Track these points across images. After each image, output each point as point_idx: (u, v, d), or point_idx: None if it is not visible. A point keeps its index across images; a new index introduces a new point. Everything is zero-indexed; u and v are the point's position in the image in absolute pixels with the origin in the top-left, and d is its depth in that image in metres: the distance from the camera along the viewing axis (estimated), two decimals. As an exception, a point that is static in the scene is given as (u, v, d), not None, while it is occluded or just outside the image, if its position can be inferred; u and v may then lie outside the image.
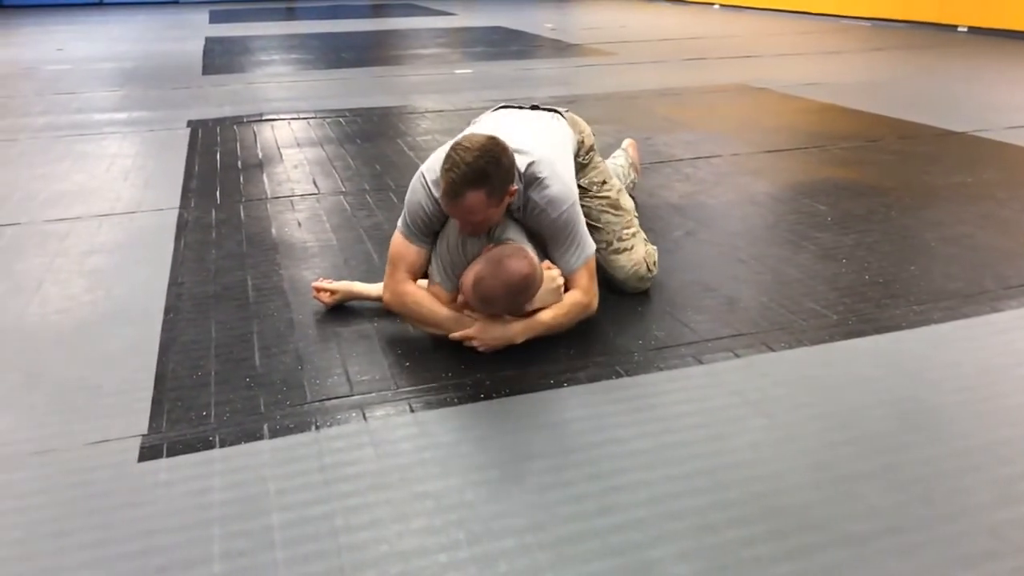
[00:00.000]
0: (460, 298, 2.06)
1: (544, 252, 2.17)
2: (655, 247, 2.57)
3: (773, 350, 2.08)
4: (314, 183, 3.66)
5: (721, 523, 1.47)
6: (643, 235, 2.53)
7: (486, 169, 1.92)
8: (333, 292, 2.33)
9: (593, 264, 2.19)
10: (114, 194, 3.50)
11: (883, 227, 2.96)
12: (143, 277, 2.60)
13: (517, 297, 1.99)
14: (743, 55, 7.60)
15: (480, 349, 2.03)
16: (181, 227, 3.07)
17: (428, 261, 2.17)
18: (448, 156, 1.96)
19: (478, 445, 1.71)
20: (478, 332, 2.02)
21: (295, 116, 5.12)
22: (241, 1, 15.87)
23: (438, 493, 1.56)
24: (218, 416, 1.82)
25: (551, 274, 2.11)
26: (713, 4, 13.33)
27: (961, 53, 7.50)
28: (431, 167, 2.12)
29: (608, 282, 2.39)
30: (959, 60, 7.07)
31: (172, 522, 1.49)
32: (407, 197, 2.16)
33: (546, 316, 2.09)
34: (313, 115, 5.13)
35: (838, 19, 10.68)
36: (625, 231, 2.45)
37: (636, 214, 2.56)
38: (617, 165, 3.09)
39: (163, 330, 2.23)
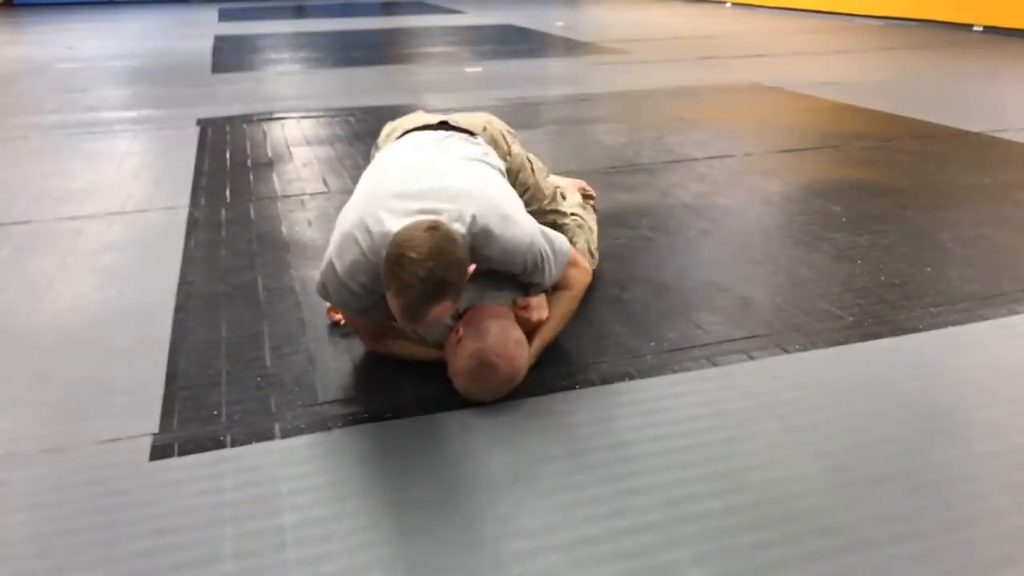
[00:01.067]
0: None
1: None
2: (593, 237, 2.54)
3: (787, 352, 2.06)
4: (324, 182, 3.65)
5: (735, 527, 1.45)
6: (590, 228, 2.55)
7: (445, 278, 1.64)
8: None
9: (572, 253, 2.05)
10: (124, 192, 3.50)
11: (899, 228, 2.93)
12: (153, 276, 2.59)
13: (505, 389, 1.84)
14: (756, 54, 7.56)
15: None
16: (191, 226, 3.06)
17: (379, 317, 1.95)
18: (394, 275, 1.65)
19: (490, 446, 1.69)
20: None
21: (305, 114, 5.12)
22: (250, 0, 15.92)
23: (449, 494, 1.55)
24: (229, 416, 1.81)
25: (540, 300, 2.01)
26: (725, 2, 13.27)
27: (977, 53, 7.44)
28: (338, 256, 1.82)
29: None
30: (975, 60, 7.02)
31: (183, 521, 1.48)
32: (326, 285, 1.88)
33: (547, 333, 2.02)
34: (323, 113, 5.13)
35: (852, 18, 10.63)
36: (544, 203, 2.43)
37: (585, 204, 2.57)
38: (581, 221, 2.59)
39: (173, 329, 2.23)
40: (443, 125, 2.20)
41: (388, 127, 2.33)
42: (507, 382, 1.83)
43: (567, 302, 2.08)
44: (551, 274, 1.96)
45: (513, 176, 2.27)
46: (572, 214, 2.55)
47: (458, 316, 1.91)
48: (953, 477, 1.58)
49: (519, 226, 1.88)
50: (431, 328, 1.87)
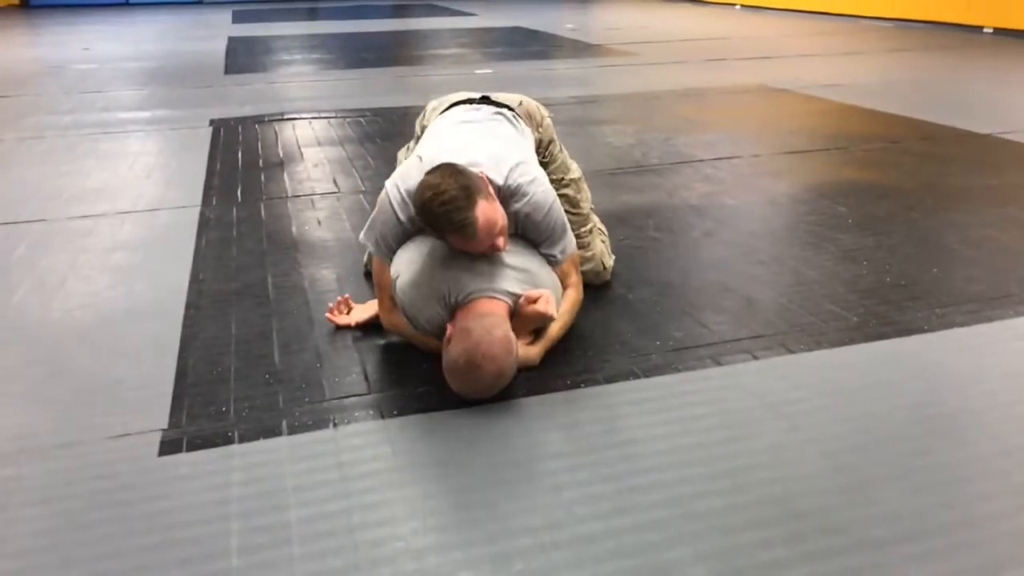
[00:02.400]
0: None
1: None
2: (606, 239, 2.56)
3: (792, 352, 2.07)
4: (334, 182, 3.68)
5: (738, 525, 1.46)
6: (600, 229, 2.55)
7: (468, 185, 1.83)
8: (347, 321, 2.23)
9: (578, 256, 2.20)
10: (137, 192, 3.54)
11: (904, 229, 2.93)
12: (165, 274, 2.62)
13: (494, 388, 1.85)
14: (764, 56, 7.56)
15: None
16: (202, 225, 3.09)
17: None
18: (431, 215, 1.84)
19: (495, 444, 1.71)
20: None
21: (316, 115, 5.15)
22: (264, 1, 15.98)
23: (454, 491, 1.56)
24: (237, 412, 1.83)
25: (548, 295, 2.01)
26: (734, 5, 13.26)
27: (986, 54, 7.42)
28: (402, 179, 2.02)
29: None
30: (984, 61, 6.99)
31: (191, 516, 1.50)
32: (375, 216, 2.06)
33: (555, 331, 2.05)
34: (334, 114, 5.16)
35: (860, 20, 10.60)
36: (583, 229, 2.40)
37: (592, 206, 2.55)
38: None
39: (184, 326, 2.25)
40: (484, 100, 2.37)
41: (433, 103, 2.47)
42: (493, 381, 1.81)
43: (572, 300, 2.12)
44: (559, 244, 2.07)
45: (544, 147, 2.41)
46: (592, 226, 2.50)
47: (453, 311, 1.92)
48: (957, 478, 1.58)
49: (543, 185, 2.05)
50: (494, 230, 1.87)
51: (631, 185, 3.54)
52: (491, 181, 1.97)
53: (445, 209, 1.81)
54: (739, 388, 1.91)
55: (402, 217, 2.00)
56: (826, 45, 8.31)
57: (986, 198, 3.27)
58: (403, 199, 2.00)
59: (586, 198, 2.50)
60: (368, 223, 2.09)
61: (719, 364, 2.01)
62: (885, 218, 3.05)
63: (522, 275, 1.99)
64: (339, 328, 2.22)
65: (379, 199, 2.07)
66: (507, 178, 2.00)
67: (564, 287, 2.11)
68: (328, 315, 2.25)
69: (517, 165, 2.04)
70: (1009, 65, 6.76)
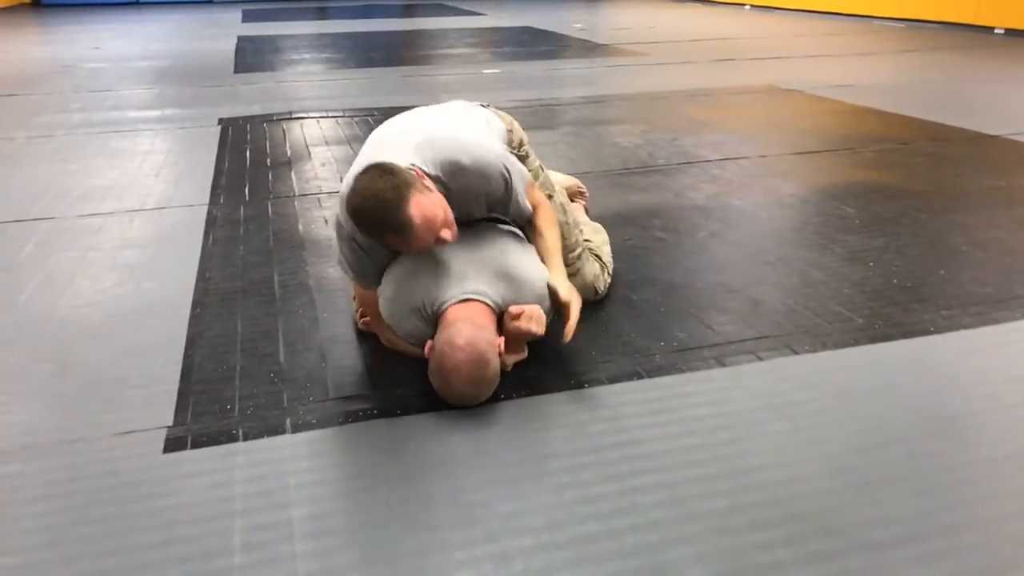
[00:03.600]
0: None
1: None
2: (609, 264, 2.43)
3: (797, 353, 2.06)
4: (341, 181, 3.67)
5: (740, 526, 1.46)
6: (597, 255, 2.40)
7: (397, 184, 1.73)
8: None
9: (531, 179, 2.08)
10: (145, 190, 3.55)
11: (912, 230, 2.92)
12: (172, 272, 2.64)
13: (478, 394, 1.82)
14: (773, 56, 7.54)
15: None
16: (210, 223, 3.11)
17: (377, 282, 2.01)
18: (362, 220, 1.77)
19: (497, 444, 1.71)
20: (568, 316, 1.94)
21: (324, 114, 5.16)
22: (274, 1, 16.02)
23: (456, 490, 1.57)
24: (242, 410, 1.84)
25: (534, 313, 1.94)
26: (744, 5, 13.23)
27: (997, 55, 7.38)
28: (340, 198, 1.93)
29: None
30: (995, 62, 6.96)
31: (194, 513, 1.51)
32: (338, 245, 2.00)
33: (555, 254, 2.02)
34: (342, 114, 5.17)
35: (871, 20, 10.56)
36: (570, 255, 2.23)
37: (581, 229, 2.38)
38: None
39: (190, 324, 2.26)
40: None
41: None
42: (475, 386, 1.78)
43: (547, 218, 2.06)
44: (520, 199, 1.98)
45: (516, 143, 2.29)
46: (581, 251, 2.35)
47: (435, 318, 1.89)
48: (960, 480, 1.58)
49: (482, 148, 1.95)
50: (434, 225, 1.79)
51: (638, 185, 3.54)
52: (425, 173, 1.86)
53: (377, 212, 1.73)
54: (743, 389, 1.91)
55: (348, 233, 1.92)
56: (836, 45, 8.27)
57: (995, 200, 3.25)
58: (342, 216, 1.92)
59: (575, 222, 2.33)
60: (338, 255, 2.03)
61: (723, 365, 2.01)
62: (893, 219, 3.04)
63: (501, 279, 1.91)
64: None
65: (336, 231, 2.00)
66: (440, 162, 1.88)
67: (536, 224, 2.05)
68: (359, 316, 2.19)
69: (443, 139, 1.93)
70: (1020, 66, 6.72)
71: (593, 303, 2.28)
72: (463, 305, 1.87)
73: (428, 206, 1.76)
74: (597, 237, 2.53)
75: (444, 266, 1.91)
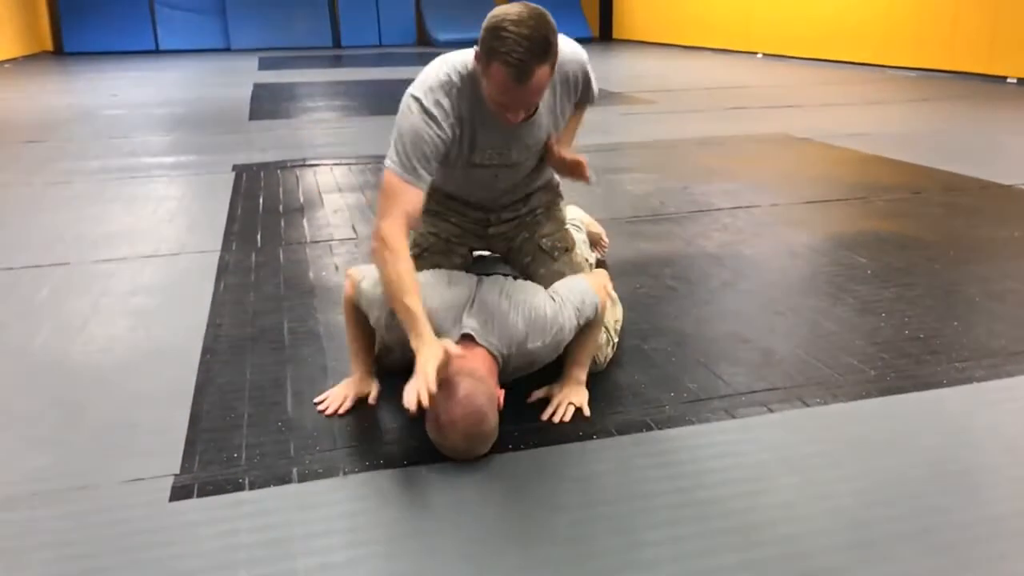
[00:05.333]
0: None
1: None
2: (615, 336, 2.30)
3: (808, 405, 2.04)
4: (353, 228, 3.72)
5: (750, 583, 1.43)
6: (604, 325, 2.23)
7: (548, 37, 1.71)
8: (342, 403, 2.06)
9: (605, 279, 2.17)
10: (159, 236, 3.59)
11: (925, 281, 2.91)
12: (183, 318, 2.65)
13: (474, 448, 1.78)
14: (785, 104, 7.60)
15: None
16: (222, 269, 3.13)
17: (422, 199, 1.92)
18: (498, 37, 1.69)
19: (506, 495, 1.70)
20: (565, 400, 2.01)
21: (337, 162, 5.22)
22: (290, 49, 16.34)
23: (463, 542, 1.55)
24: (249, 459, 1.83)
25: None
26: (756, 53, 13.39)
27: (1010, 105, 7.41)
28: (427, 86, 1.87)
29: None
30: (1007, 112, 6.99)
31: (200, 563, 1.50)
32: (398, 125, 1.89)
33: (582, 360, 2.07)
34: (355, 160, 5.23)
35: (883, 69, 10.65)
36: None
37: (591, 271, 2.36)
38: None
39: (200, 371, 2.27)
40: None
41: None
42: (471, 440, 1.75)
43: (592, 342, 2.10)
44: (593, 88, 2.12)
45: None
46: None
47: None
48: (975, 537, 1.55)
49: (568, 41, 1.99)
50: (531, 103, 1.82)
51: (649, 233, 3.55)
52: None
53: (511, 46, 1.68)
54: (754, 442, 1.89)
55: (430, 132, 1.85)
56: (849, 94, 8.34)
57: (1009, 250, 3.24)
58: (428, 113, 1.85)
59: (581, 260, 2.34)
60: (392, 144, 1.91)
61: (734, 417, 1.99)
62: (905, 269, 3.03)
63: (512, 328, 1.92)
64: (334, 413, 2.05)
65: (401, 109, 1.90)
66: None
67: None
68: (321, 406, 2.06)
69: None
70: (1031, 115, 6.75)
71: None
72: (468, 350, 1.85)
73: (546, 79, 1.78)
74: (614, 310, 2.39)
75: (460, 292, 1.95)
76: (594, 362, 2.16)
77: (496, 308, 1.93)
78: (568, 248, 2.30)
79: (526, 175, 2.18)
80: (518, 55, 1.69)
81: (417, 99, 1.88)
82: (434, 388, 1.69)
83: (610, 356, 2.26)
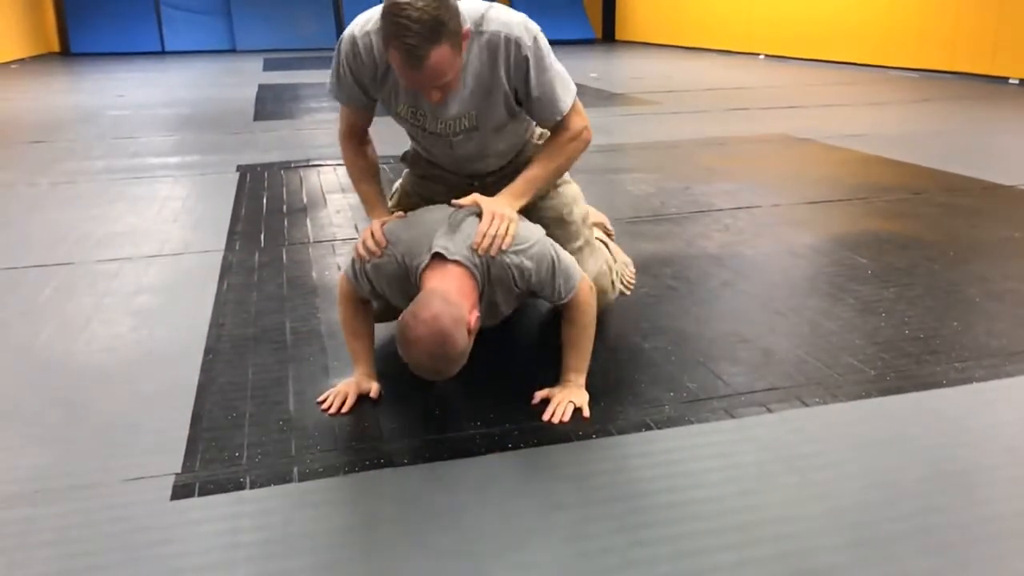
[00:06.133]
0: None
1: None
2: (615, 269, 2.42)
3: (807, 405, 2.05)
4: (356, 228, 3.73)
5: (748, 582, 1.44)
6: (601, 248, 2.37)
7: (439, 17, 1.69)
8: (344, 402, 2.07)
9: (579, 104, 2.08)
10: (163, 236, 3.61)
11: (925, 281, 2.91)
12: (186, 318, 2.66)
13: (440, 368, 1.77)
14: (787, 105, 7.60)
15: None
16: (225, 269, 3.15)
17: (368, 121, 2.14)
18: (389, 22, 1.70)
19: (505, 494, 1.71)
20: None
21: (340, 163, 5.21)
22: (295, 50, 16.37)
23: (462, 541, 1.56)
24: (250, 457, 1.85)
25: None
26: (758, 54, 13.39)
27: (1011, 106, 7.40)
28: (361, 26, 1.93)
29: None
30: (1009, 113, 6.98)
31: (200, 561, 1.51)
32: (334, 56, 2.00)
33: (534, 171, 2.02)
34: (358, 161, 5.23)
35: (884, 70, 10.64)
36: (573, 244, 2.23)
37: (590, 224, 2.37)
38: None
39: (202, 370, 2.28)
40: None
41: None
42: (434, 360, 1.73)
43: (563, 147, 2.08)
44: (559, 88, 1.99)
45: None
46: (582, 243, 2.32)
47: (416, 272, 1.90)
48: (974, 537, 1.55)
49: (521, 16, 1.95)
50: (435, 84, 1.80)
51: (650, 234, 3.56)
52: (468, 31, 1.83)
53: (399, 30, 1.69)
54: (752, 441, 1.89)
55: (349, 60, 1.95)
56: (850, 95, 8.34)
57: (1010, 251, 3.25)
58: (354, 46, 1.93)
59: (579, 216, 2.31)
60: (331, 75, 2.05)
61: (733, 417, 2.00)
62: (906, 270, 3.03)
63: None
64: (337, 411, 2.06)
65: (337, 45, 2.00)
66: (479, 15, 1.89)
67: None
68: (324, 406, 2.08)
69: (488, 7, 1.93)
70: (1034, 116, 6.74)
71: (602, 351, 2.25)
72: (440, 267, 1.86)
73: (447, 61, 1.75)
74: (619, 256, 2.57)
75: (433, 218, 1.96)
76: (602, 289, 2.28)
77: (469, 226, 1.91)
78: (562, 219, 2.26)
79: (479, 150, 2.12)
80: (409, 40, 1.69)
81: (352, 35, 1.95)
82: (380, 237, 1.95)
83: (617, 285, 2.47)
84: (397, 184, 2.47)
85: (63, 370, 2.31)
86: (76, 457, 1.86)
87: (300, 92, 9.26)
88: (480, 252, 1.87)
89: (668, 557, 1.50)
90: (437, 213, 1.99)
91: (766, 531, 1.57)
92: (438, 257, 1.87)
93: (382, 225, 1.99)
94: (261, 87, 9.78)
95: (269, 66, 12.95)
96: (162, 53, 15.93)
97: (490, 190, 2.07)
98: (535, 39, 1.93)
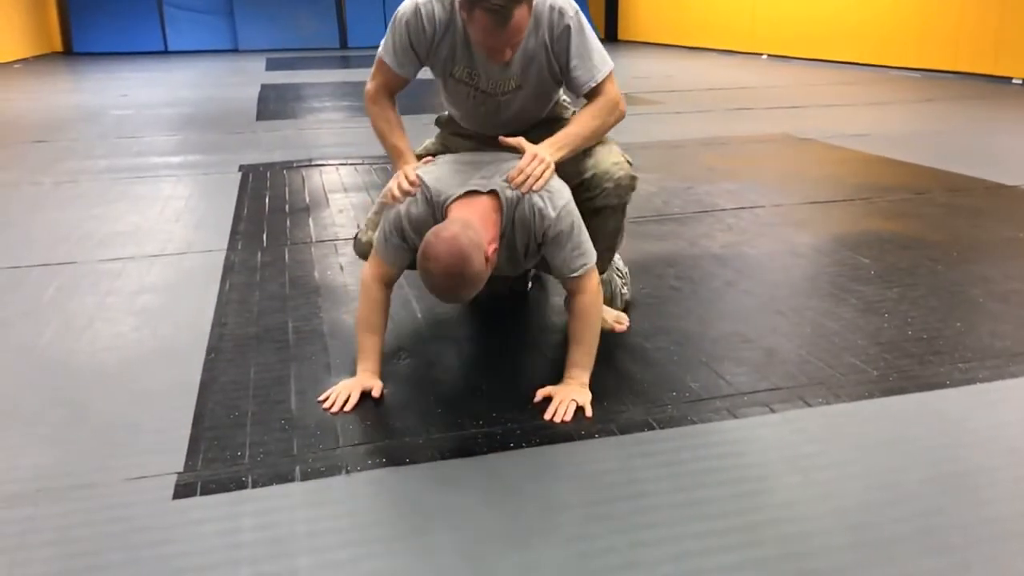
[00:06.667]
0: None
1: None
2: (620, 276, 2.63)
3: (810, 405, 2.04)
4: (358, 228, 3.71)
5: (750, 582, 1.44)
6: (618, 269, 2.63)
7: None
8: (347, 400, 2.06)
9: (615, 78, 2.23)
10: (166, 235, 3.61)
11: (928, 281, 2.90)
12: (188, 317, 2.66)
13: (456, 291, 1.88)
14: (789, 105, 7.59)
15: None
16: (227, 269, 3.15)
17: (403, 86, 2.24)
18: None
19: (506, 494, 1.70)
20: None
21: (344, 162, 5.24)
22: (297, 50, 16.37)
23: (465, 541, 1.56)
24: (252, 457, 1.84)
25: None
26: (761, 54, 13.37)
27: (1014, 106, 7.39)
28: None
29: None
30: (1012, 112, 6.97)
31: (201, 560, 1.51)
32: (394, 16, 2.14)
33: (574, 128, 2.16)
34: (361, 161, 5.25)
35: (886, 70, 10.63)
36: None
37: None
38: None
39: (204, 370, 2.28)
40: None
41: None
42: (451, 279, 1.82)
43: (601, 109, 2.22)
44: (594, 58, 2.17)
45: None
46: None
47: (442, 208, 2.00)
48: (977, 539, 1.55)
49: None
50: (512, 43, 1.98)
51: (652, 234, 3.56)
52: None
53: None
54: (755, 441, 1.89)
55: (423, 14, 2.08)
56: (853, 95, 8.33)
57: (1013, 251, 3.24)
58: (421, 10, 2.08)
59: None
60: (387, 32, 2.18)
61: (735, 416, 2.00)
62: (908, 270, 3.03)
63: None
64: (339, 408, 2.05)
65: (400, 6, 2.14)
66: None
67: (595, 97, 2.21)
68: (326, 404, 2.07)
69: None
70: (1037, 116, 6.73)
71: (605, 351, 2.25)
72: (466, 200, 1.98)
73: (525, 20, 1.95)
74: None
75: (472, 161, 2.12)
76: (611, 300, 2.47)
77: (506, 166, 2.05)
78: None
79: (518, 112, 2.27)
80: (497, 1, 1.86)
81: (415, 3, 2.10)
82: (413, 177, 2.05)
83: (624, 295, 2.62)
84: (426, 144, 2.54)
85: (65, 369, 2.31)
86: (78, 456, 1.86)
87: (303, 92, 9.27)
88: (513, 185, 1.98)
89: (671, 557, 1.50)
90: (468, 157, 2.17)
91: (770, 532, 1.57)
92: (469, 193, 1.99)
93: (414, 171, 2.10)
94: (264, 87, 9.78)
95: (272, 66, 12.95)
96: (165, 53, 15.93)
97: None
98: (576, 11, 2.12)
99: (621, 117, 2.26)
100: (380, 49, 2.21)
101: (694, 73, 10.98)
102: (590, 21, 2.54)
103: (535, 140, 2.14)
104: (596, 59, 2.16)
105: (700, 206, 4.01)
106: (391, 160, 2.26)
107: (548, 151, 2.07)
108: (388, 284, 2.15)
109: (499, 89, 2.19)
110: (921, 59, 10.28)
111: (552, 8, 2.08)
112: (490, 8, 1.87)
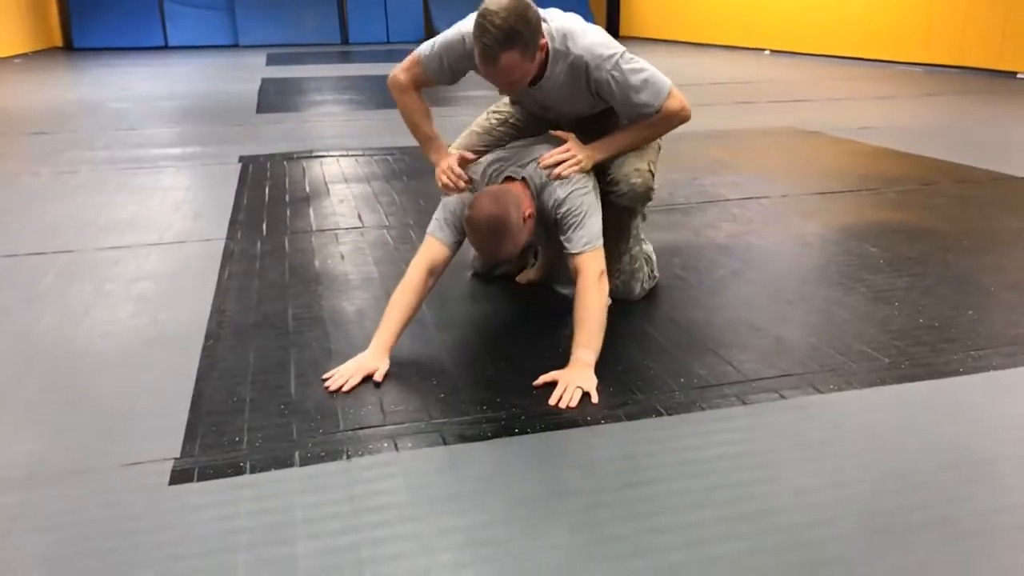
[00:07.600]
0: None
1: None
2: (648, 269, 2.69)
3: (821, 392, 2.00)
4: (359, 217, 3.69)
5: (760, 571, 1.40)
6: (647, 255, 2.71)
7: (515, 27, 1.98)
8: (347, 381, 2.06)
9: (675, 91, 2.34)
10: (165, 224, 3.57)
11: (939, 271, 2.86)
12: (187, 304, 2.62)
13: (497, 247, 2.11)
14: (794, 99, 7.54)
15: None
16: (227, 257, 3.10)
17: (433, 85, 2.40)
18: (477, 24, 2.01)
19: (511, 480, 1.66)
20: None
21: (344, 153, 5.19)
22: (298, 45, 16.32)
23: (468, 528, 1.52)
24: (250, 442, 1.80)
25: None
26: (764, 50, 13.31)
27: (1020, 101, 7.33)
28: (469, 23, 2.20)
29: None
30: (1018, 106, 6.91)
31: (198, 547, 1.47)
32: (444, 34, 2.28)
33: (622, 137, 2.34)
34: (361, 153, 5.20)
35: (892, 65, 10.57)
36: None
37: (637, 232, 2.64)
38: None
39: (203, 356, 2.24)
40: None
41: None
42: (493, 230, 2.06)
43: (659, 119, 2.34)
44: (646, 92, 2.28)
45: None
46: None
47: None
48: (993, 527, 1.51)
49: (603, 34, 2.27)
50: (504, 82, 2.12)
51: (658, 224, 3.51)
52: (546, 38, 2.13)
53: (481, 32, 1.99)
54: (765, 428, 1.85)
55: (466, 40, 2.19)
56: (857, 89, 8.28)
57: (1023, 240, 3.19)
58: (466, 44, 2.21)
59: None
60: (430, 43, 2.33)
61: (744, 403, 1.95)
62: (918, 259, 2.98)
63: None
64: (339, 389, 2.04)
65: (451, 33, 2.28)
66: (559, 29, 2.18)
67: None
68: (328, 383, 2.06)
69: (571, 20, 2.23)
70: (1044, 110, 6.67)
71: (612, 338, 2.20)
72: (501, 184, 2.22)
73: (516, 66, 2.05)
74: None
75: (507, 158, 2.31)
76: (630, 285, 2.57)
77: (539, 152, 2.26)
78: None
79: (566, 115, 2.44)
80: (486, 41, 1.99)
81: (464, 33, 2.22)
82: (460, 171, 2.28)
83: (645, 286, 2.64)
84: (499, 105, 2.70)
85: (63, 356, 2.28)
86: (73, 442, 1.82)
87: (304, 86, 9.22)
88: (541, 166, 2.21)
89: (679, 545, 1.46)
90: (503, 153, 2.34)
91: (779, 519, 1.53)
92: (506, 180, 2.23)
93: (456, 162, 2.31)
94: (264, 81, 9.73)
95: (272, 61, 12.90)
96: (165, 48, 15.88)
97: (565, 128, 2.39)
98: (616, 63, 2.20)
99: (681, 122, 2.39)
100: (424, 49, 2.32)
101: (697, 68, 10.93)
102: (591, 17, 2.62)
103: (589, 131, 2.32)
104: (644, 98, 2.25)
105: (705, 196, 3.97)
106: (422, 146, 2.44)
107: (588, 151, 2.25)
108: (432, 271, 2.22)
109: (537, 105, 2.41)
110: (926, 54, 10.22)
111: (589, 66, 2.18)
112: (480, 45, 2.02)
